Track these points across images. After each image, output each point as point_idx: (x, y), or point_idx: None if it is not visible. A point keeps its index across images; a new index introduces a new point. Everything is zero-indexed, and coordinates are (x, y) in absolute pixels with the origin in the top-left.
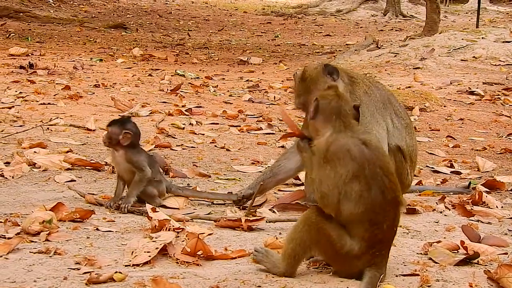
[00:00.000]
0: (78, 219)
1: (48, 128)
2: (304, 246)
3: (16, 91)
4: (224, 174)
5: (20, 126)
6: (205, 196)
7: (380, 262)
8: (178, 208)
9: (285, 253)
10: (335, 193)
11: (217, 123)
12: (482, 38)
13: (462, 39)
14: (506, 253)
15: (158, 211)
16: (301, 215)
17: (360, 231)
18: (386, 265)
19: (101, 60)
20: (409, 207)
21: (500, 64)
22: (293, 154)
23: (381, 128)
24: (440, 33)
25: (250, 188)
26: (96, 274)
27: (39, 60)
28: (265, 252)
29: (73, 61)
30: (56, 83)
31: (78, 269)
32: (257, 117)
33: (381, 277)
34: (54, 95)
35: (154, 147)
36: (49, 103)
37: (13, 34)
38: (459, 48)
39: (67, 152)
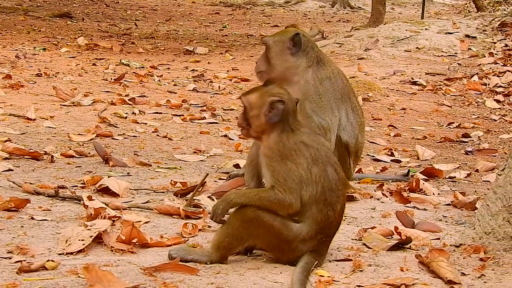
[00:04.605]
0: (13, 208)
1: None
2: (242, 240)
3: None
4: (165, 163)
5: None
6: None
7: (321, 250)
8: (118, 195)
9: (219, 245)
10: (299, 184)
11: (161, 113)
12: (426, 29)
13: (406, 30)
14: (438, 238)
15: (94, 200)
16: (233, 211)
17: (314, 212)
18: (326, 253)
19: (44, 49)
20: (347, 194)
21: (442, 55)
22: None
23: (333, 116)
24: (385, 24)
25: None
26: (27, 262)
27: None
28: (184, 249)
29: (16, 50)
30: None
31: (10, 258)
32: (201, 107)
33: (316, 263)
34: None
35: (96, 136)
36: None
37: None
38: (403, 39)
39: (6, 141)
